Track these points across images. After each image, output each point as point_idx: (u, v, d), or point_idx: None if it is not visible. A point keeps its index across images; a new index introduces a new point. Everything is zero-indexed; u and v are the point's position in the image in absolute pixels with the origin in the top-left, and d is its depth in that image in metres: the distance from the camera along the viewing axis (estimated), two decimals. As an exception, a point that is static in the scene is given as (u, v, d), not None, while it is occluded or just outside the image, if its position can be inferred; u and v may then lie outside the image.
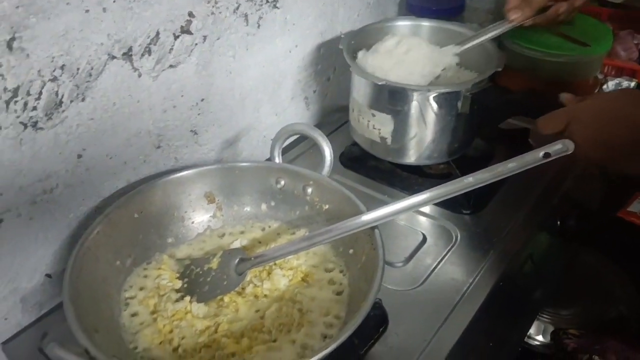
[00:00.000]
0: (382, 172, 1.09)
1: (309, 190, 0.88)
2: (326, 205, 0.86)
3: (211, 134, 1.01)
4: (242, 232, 0.91)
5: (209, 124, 1.00)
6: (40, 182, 0.77)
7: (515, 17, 1.04)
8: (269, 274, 0.80)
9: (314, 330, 0.74)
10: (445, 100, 0.97)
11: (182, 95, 0.92)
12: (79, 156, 0.80)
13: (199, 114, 0.97)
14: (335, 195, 0.84)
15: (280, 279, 0.79)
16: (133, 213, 0.82)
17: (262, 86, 1.09)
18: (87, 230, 0.75)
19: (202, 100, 0.96)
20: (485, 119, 1.03)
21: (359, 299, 0.71)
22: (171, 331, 0.73)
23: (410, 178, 1.08)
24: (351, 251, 0.82)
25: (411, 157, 1.05)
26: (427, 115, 0.98)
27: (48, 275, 0.84)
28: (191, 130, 0.97)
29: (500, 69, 0.98)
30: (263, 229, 0.90)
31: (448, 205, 0.99)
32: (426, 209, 1.00)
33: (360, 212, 0.76)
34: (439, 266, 0.90)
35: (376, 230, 0.75)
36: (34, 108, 0.71)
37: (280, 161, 0.90)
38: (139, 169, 0.91)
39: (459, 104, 0.97)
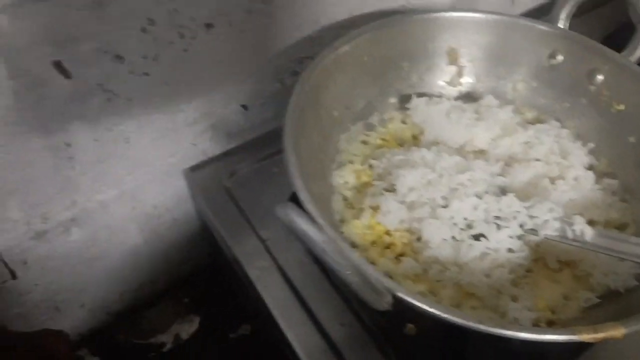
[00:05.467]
0: None
1: (599, 77, 0.63)
2: (621, 105, 0.61)
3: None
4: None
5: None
6: (262, -14, 0.60)
7: None
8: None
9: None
10: None
11: None
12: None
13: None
14: (645, 93, 0.59)
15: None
16: (363, 55, 0.63)
17: None
18: (312, 63, 0.58)
19: None
20: None
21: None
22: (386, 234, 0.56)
23: None
24: None
25: None
26: None
27: (244, 107, 0.70)
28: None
29: None
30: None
31: None
32: None
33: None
34: None
35: None
36: None
37: (566, 27, 0.65)
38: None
39: None
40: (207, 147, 0.70)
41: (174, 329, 0.76)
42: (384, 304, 0.37)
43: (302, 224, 0.39)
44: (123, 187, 0.65)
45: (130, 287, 0.76)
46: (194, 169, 0.69)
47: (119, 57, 0.55)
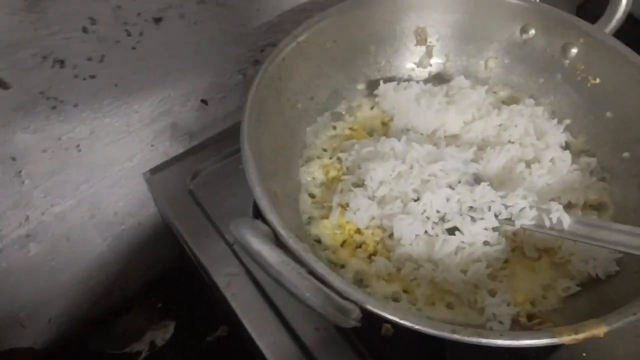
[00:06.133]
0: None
1: (573, 51, 0.60)
2: (597, 79, 0.59)
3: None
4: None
5: None
6: (213, -26, 0.56)
7: None
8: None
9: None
10: None
11: None
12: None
13: None
14: (619, 65, 0.56)
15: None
16: (326, 41, 0.60)
17: None
18: (272, 53, 0.55)
19: None
20: None
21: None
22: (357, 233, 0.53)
23: None
24: (626, 155, 0.56)
25: None
26: None
27: (204, 102, 0.67)
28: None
29: None
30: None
31: None
32: None
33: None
34: None
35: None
36: None
37: None
38: (328, -20, 0.67)
39: None
40: (167, 147, 0.67)
41: (148, 336, 0.74)
42: (351, 321, 0.34)
43: (256, 244, 0.36)
44: (79, 196, 0.61)
45: (99, 296, 0.73)
46: (155, 171, 0.65)
47: (60, 62, 0.51)
